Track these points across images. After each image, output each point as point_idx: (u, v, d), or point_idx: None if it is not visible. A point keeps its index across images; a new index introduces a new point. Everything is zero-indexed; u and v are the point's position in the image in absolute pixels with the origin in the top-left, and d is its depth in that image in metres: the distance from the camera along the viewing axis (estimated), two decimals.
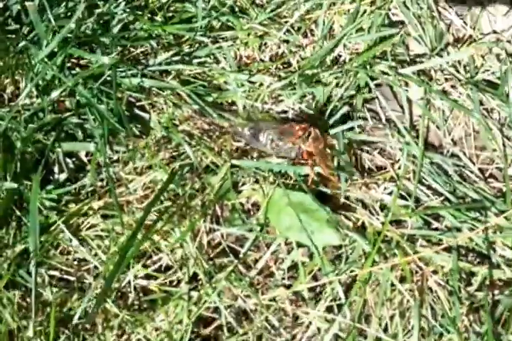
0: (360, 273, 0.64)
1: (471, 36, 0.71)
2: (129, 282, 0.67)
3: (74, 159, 0.70)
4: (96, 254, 0.68)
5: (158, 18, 0.72)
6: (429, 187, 0.68)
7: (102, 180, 0.69)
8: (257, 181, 0.69)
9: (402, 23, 0.71)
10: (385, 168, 0.70)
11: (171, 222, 0.66)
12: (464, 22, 0.71)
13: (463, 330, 0.65)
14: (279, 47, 0.72)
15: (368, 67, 0.70)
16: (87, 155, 0.70)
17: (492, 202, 0.67)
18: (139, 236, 0.61)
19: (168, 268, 0.69)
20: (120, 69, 0.69)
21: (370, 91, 0.70)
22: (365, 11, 0.70)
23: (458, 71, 0.70)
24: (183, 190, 0.67)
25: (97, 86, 0.66)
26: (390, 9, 0.71)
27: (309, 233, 0.63)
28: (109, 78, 0.67)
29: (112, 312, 0.67)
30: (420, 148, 0.68)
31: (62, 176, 0.69)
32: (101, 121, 0.66)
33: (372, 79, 0.70)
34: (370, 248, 0.65)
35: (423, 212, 0.67)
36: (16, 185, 0.65)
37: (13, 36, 0.69)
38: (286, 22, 0.71)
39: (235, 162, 0.67)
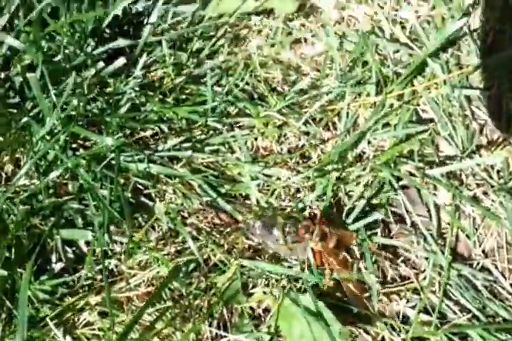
0: None
1: (505, 139, 0.87)
2: None
3: (74, 248, 0.83)
4: None
5: (170, 99, 0.88)
6: (456, 303, 0.81)
7: (102, 271, 0.81)
8: (268, 284, 0.82)
9: (432, 120, 0.87)
10: (409, 278, 0.83)
11: (172, 325, 0.78)
12: (499, 120, 0.88)
13: None
14: (299, 140, 0.88)
15: (392, 166, 0.85)
16: (88, 243, 0.83)
17: None
18: (135, 337, 0.74)
19: None
20: (126, 154, 0.84)
21: (395, 190, 0.85)
22: (391, 105, 0.87)
23: (490, 176, 0.85)
24: (188, 289, 0.80)
25: (100, 169, 0.81)
26: (418, 105, 0.88)
27: None
28: (113, 161, 0.82)
29: None
30: (447, 258, 0.81)
31: (59, 266, 0.81)
32: (102, 209, 0.81)
33: (398, 179, 0.86)
34: None
35: (448, 330, 0.79)
36: (6, 273, 0.77)
37: (15, 111, 0.85)
38: (306, 112, 0.88)
39: (245, 263, 0.81)
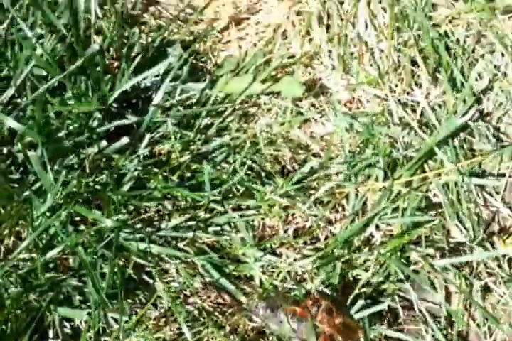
0: None
1: None
2: None
3: (72, 322, 0.90)
4: None
5: (175, 177, 0.96)
6: None
7: None
8: None
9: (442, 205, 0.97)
10: None
11: None
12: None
13: None
14: (307, 220, 0.97)
15: (399, 254, 0.93)
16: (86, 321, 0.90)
17: None
18: None
19: None
20: (127, 231, 0.92)
21: (402, 280, 0.93)
22: (399, 192, 0.96)
23: (500, 266, 0.94)
24: None
25: (99, 248, 0.89)
26: (429, 190, 0.97)
27: None
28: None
29: None
30: None
31: None
32: (98, 288, 0.88)
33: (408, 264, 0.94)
34: None
35: None
36: None
37: (17, 185, 0.94)
38: (313, 194, 0.97)
39: None
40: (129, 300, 0.92)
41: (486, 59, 1.04)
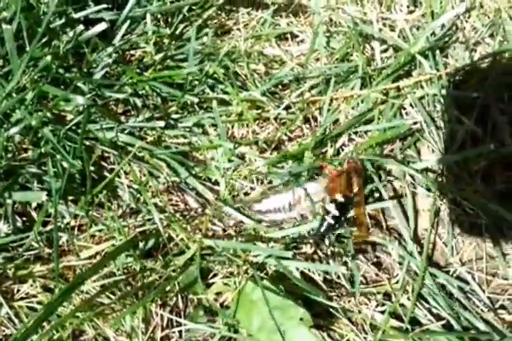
0: None
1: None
2: None
3: (24, 218, 0.80)
4: None
5: (148, 74, 0.87)
6: (429, 311, 0.79)
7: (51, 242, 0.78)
8: (229, 275, 0.79)
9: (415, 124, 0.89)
10: (381, 282, 0.82)
11: (120, 302, 0.75)
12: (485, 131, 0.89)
13: None
14: (277, 130, 0.88)
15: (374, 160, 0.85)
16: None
17: (503, 335, 0.77)
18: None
19: None
20: (95, 124, 0.83)
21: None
22: (375, 101, 0.88)
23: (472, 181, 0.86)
24: (141, 265, 0.77)
25: (65, 131, 0.79)
26: (404, 108, 0.90)
27: (282, 333, 0.72)
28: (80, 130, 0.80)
29: None
30: (423, 261, 0.80)
31: (5, 227, 0.78)
32: (61, 174, 0.78)
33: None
34: None
35: (419, 335, 0.76)
36: None
37: None
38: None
39: (208, 242, 0.78)
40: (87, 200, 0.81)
41: None
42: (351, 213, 0.81)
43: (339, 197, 0.80)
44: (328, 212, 0.79)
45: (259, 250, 0.78)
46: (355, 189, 0.81)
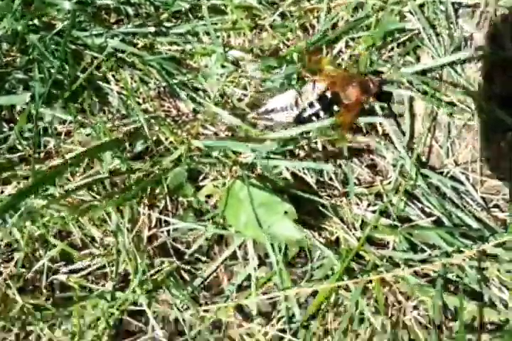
0: (322, 287, 0.71)
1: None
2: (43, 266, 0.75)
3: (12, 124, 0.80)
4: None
5: None
6: (422, 211, 0.77)
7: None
8: (218, 177, 0.78)
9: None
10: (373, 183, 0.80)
11: (106, 201, 0.74)
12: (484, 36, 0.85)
13: None
14: (274, 38, 0.85)
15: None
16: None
17: (493, 230, 0.75)
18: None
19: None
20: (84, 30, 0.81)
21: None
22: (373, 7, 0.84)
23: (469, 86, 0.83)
24: (128, 165, 0.76)
25: (51, 36, 0.78)
26: (404, 16, 0.86)
27: (267, 227, 0.71)
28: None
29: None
30: (413, 161, 0.78)
31: None
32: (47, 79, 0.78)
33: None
34: (340, 264, 0.73)
35: (408, 230, 0.75)
36: None
37: None
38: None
39: (196, 142, 0.77)
40: (76, 106, 0.81)
41: None
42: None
43: (327, 93, 0.78)
44: (311, 104, 0.77)
45: (247, 148, 0.77)
46: (353, 97, 0.78)
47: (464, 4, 0.86)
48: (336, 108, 0.78)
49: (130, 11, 0.84)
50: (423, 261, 0.74)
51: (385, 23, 0.82)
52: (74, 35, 0.80)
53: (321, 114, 0.77)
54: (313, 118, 0.77)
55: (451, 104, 0.81)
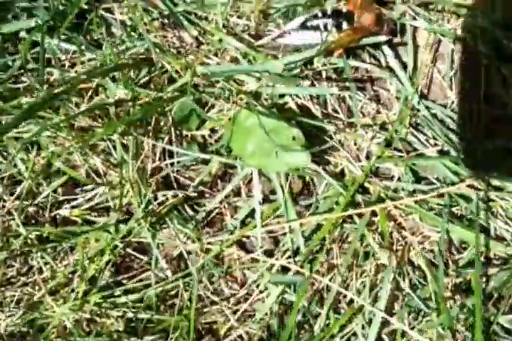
0: (327, 218, 0.70)
1: None
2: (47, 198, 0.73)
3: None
4: None
5: None
6: (427, 141, 0.75)
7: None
8: (223, 109, 0.76)
9: None
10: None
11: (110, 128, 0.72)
12: None
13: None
14: None
15: None
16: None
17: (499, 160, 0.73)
18: None
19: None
20: None
21: None
22: None
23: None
24: (133, 93, 0.73)
25: None
26: None
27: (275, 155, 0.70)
28: None
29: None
30: (416, 91, 0.76)
31: None
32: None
33: None
34: (345, 195, 0.72)
35: (413, 160, 0.73)
36: None
37: None
38: None
39: (201, 69, 0.74)
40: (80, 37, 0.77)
41: None
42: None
43: (343, 8, 0.75)
44: (324, 12, 0.75)
45: (254, 71, 0.74)
46: (365, 22, 0.75)
47: None
48: (345, 25, 0.75)
49: None
50: (428, 193, 0.72)
51: None
52: None
53: (329, 26, 0.74)
54: (321, 27, 0.74)
55: (455, 34, 0.79)
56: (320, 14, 0.75)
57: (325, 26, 0.75)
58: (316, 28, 0.75)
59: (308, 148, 0.70)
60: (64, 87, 0.61)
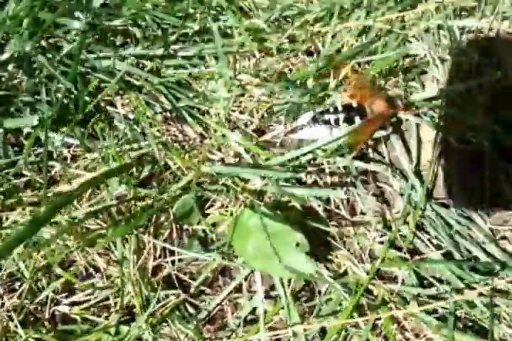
0: (332, 324, 0.67)
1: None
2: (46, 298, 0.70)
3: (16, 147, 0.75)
4: None
5: (149, 4, 0.79)
6: (430, 242, 0.73)
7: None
8: (227, 205, 0.74)
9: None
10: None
11: (112, 229, 0.69)
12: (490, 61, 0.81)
13: None
14: (278, 63, 0.81)
15: None
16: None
17: (503, 264, 0.71)
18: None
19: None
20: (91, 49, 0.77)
21: None
22: (379, 32, 0.80)
23: None
24: (135, 192, 0.71)
25: (60, 57, 0.73)
26: (409, 41, 0.82)
27: (278, 260, 0.66)
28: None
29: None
30: (423, 191, 0.74)
31: None
32: (54, 102, 0.72)
33: None
34: (350, 300, 0.69)
35: (418, 263, 0.70)
36: None
37: None
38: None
39: (205, 168, 0.72)
40: (83, 130, 0.76)
41: None
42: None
43: (353, 103, 0.74)
44: (336, 108, 0.73)
45: (259, 173, 0.72)
46: (379, 109, 0.74)
47: (469, 29, 0.82)
48: (357, 119, 0.73)
49: (137, 33, 0.79)
50: (433, 297, 0.70)
51: (391, 48, 0.78)
52: (82, 57, 0.75)
53: (341, 121, 0.73)
54: (332, 122, 0.73)
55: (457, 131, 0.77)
56: (332, 109, 0.73)
57: (336, 121, 0.73)
58: (327, 122, 0.73)
59: (312, 254, 0.67)
60: (66, 197, 0.57)
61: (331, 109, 0.73)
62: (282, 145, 0.77)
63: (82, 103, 0.72)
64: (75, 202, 0.72)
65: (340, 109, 0.73)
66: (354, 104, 0.74)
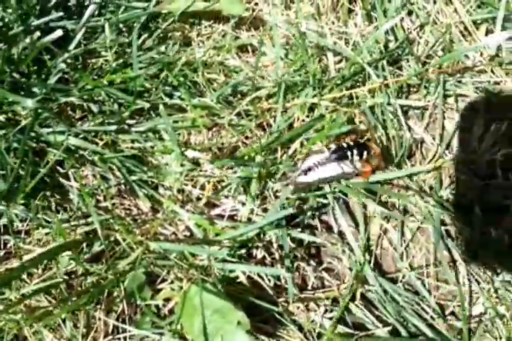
0: None
1: (440, 156, 0.78)
2: None
3: None
4: None
5: (104, 80, 0.76)
6: (377, 318, 0.69)
7: None
8: (177, 280, 0.69)
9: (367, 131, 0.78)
10: (330, 287, 0.71)
11: (61, 306, 0.64)
12: (433, 138, 0.80)
13: None
14: (232, 137, 0.77)
15: None
16: None
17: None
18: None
19: None
20: (47, 127, 0.72)
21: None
22: (327, 108, 0.78)
23: (422, 189, 0.76)
24: (84, 268, 0.66)
25: (13, 134, 0.69)
26: (355, 116, 0.79)
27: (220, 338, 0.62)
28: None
29: None
30: (370, 266, 0.70)
31: None
32: (7, 176, 0.68)
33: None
34: None
35: (364, 340, 0.66)
36: None
37: None
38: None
39: (153, 245, 0.67)
40: (37, 202, 0.71)
41: (419, 3, 0.87)
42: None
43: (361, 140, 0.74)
44: (349, 145, 0.73)
45: (203, 252, 0.67)
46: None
47: (413, 106, 0.80)
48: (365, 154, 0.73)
49: (94, 108, 0.76)
50: None
51: (336, 125, 0.75)
52: (37, 131, 0.71)
53: (355, 156, 0.73)
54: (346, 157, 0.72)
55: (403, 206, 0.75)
56: (345, 145, 0.73)
57: (347, 157, 0.73)
58: (339, 158, 0.72)
59: (253, 333, 0.62)
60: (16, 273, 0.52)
61: (344, 145, 0.73)
62: (295, 190, 0.73)
63: (27, 178, 0.67)
64: (25, 277, 0.67)
65: (351, 144, 0.73)
66: (361, 141, 0.74)
